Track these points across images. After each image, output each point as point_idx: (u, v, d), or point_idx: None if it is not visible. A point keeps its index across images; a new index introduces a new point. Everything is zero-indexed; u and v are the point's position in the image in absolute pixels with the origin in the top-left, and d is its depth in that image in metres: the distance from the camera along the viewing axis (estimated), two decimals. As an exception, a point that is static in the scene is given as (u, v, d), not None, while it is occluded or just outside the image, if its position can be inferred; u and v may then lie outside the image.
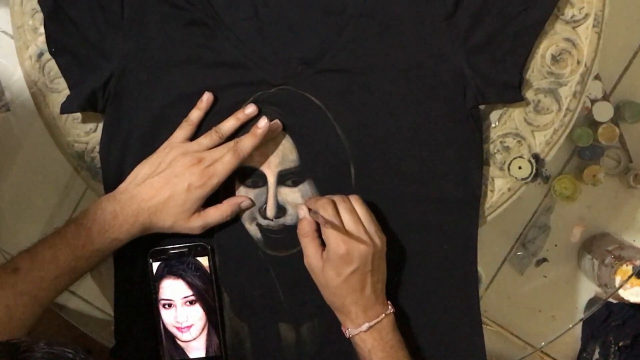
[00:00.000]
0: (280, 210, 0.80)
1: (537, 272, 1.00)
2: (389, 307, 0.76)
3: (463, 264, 0.80)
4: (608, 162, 0.99)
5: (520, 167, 0.82)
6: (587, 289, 1.02)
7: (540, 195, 0.97)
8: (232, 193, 0.80)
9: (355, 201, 0.75)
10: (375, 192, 0.79)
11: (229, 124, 0.78)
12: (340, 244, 0.72)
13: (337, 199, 0.75)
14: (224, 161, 0.76)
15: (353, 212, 0.74)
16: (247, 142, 0.76)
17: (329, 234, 0.72)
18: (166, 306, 0.81)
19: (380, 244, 0.74)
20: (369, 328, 0.74)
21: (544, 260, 0.99)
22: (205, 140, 0.77)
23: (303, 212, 0.76)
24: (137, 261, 0.81)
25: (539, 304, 1.01)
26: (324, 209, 0.74)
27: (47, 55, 0.82)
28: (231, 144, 0.77)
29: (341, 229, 0.72)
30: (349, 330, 0.75)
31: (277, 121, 0.78)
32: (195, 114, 0.78)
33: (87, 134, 0.84)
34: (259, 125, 0.76)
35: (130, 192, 0.76)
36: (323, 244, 0.74)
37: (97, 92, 0.79)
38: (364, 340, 0.74)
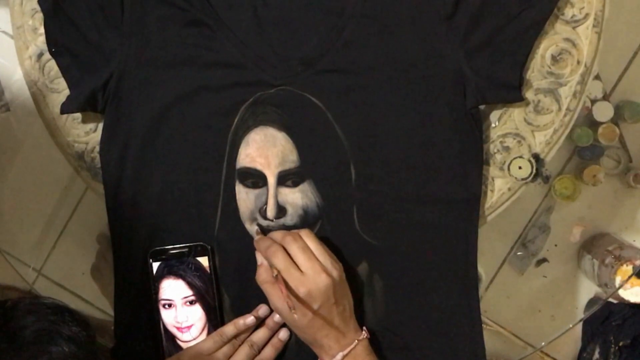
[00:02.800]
0: (281, 210, 0.80)
1: (537, 272, 1.00)
2: (363, 332, 0.76)
3: (463, 264, 0.80)
4: (608, 162, 0.98)
5: (520, 167, 0.82)
6: (587, 289, 1.02)
7: (540, 195, 0.97)
8: (232, 194, 0.80)
9: (307, 236, 0.76)
10: (375, 192, 0.79)
11: (261, 335, 0.80)
12: (299, 287, 0.73)
13: (288, 239, 0.75)
14: None
15: (306, 250, 0.74)
16: (269, 355, 0.80)
17: (286, 282, 0.73)
18: (166, 306, 0.81)
19: (338, 274, 0.74)
20: (344, 357, 0.74)
21: (544, 260, 0.99)
22: (227, 349, 0.79)
23: (260, 259, 0.77)
24: (137, 261, 0.81)
25: (539, 304, 1.01)
26: (275, 257, 0.74)
27: (47, 55, 0.82)
28: (253, 357, 0.79)
29: (290, 279, 0.72)
30: None
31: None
32: (230, 331, 0.79)
33: (87, 134, 0.84)
34: (281, 337, 0.80)
35: None
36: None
37: (97, 92, 0.79)
38: None
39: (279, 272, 0.73)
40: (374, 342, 0.78)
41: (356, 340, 0.75)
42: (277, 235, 0.77)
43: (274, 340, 0.80)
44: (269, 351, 0.80)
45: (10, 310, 0.64)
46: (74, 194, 0.91)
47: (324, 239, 0.78)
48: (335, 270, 0.75)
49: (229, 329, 0.80)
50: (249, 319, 0.80)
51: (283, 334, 0.80)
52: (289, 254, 0.74)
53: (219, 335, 0.79)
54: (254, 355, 0.79)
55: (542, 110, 0.81)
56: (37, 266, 0.95)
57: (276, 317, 0.80)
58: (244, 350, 0.79)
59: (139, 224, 0.81)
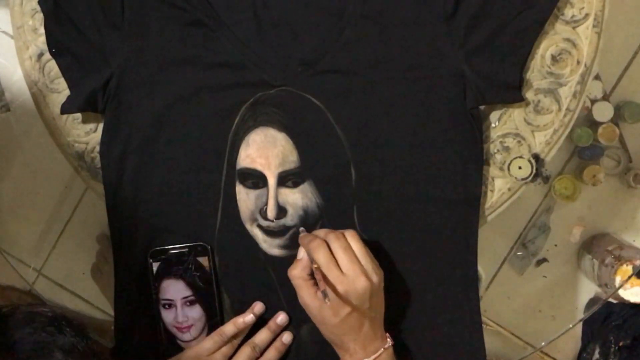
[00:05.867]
0: (281, 211, 0.80)
1: (537, 272, 1.00)
2: (388, 340, 0.75)
3: (463, 264, 0.80)
4: (608, 162, 0.98)
5: (520, 167, 0.82)
6: (587, 289, 1.02)
7: (540, 195, 0.97)
8: (233, 194, 0.80)
9: (351, 237, 0.74)
10: (375, 192, 0.79)
11: (263, 337, 0.80)
12: (336, 286, 0.71)
13: (332, 237, 0.74)
14: None
15: (348, 250, 0.73)
16: (272, 357, 0.79)
17: (325, 278, 0.71)
18: (166, 306, 0.81)
19: (378, 280, 0.73)
20: None
21: (544, 260, 0.99)
22: (227, 349, 0.78)
23: (302, 253, 0.76)
24: (137, 261, 0.81)
25: (539, 304, 1.01)
26: (317, 252, 0.72)
27: (47, 56, 0.82)
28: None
29: (332, 276, 0.71)
30: None
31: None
32: (230, 330, 0.79)
33: (87, 134, 0.84)
34: (284, 340, 0.80)
35: None
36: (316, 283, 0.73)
37: (97, 93, 0.79)
38: None
39: (319, 266, 0.71)
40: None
41: (382, 349, 0.73)
42: (320, 232, 0.76)
43: (277, 343, 0.80)
44: (272, 354, 0.80)
45: (5, 320, 0.62)
46: (74, 194, 0.92)
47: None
48: (376, 275, 0.73)
49: (229, 328, 0.79)
50: (248, 317, 0.79)
51: (287, 337, 0.80)
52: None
53: (218, 335, 0.79)
54: (256, 358, 0.79)
55: (542, 110, 0.81)
56: (37, 266, 0.95)
57: (279, 319, 0.80)
58: (245, 352, 0.79)
59: (139, 224, 0.81)
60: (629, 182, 0.97)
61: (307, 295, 0.74)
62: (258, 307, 0.80)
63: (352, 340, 0.73)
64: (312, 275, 0.74)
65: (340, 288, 0.71)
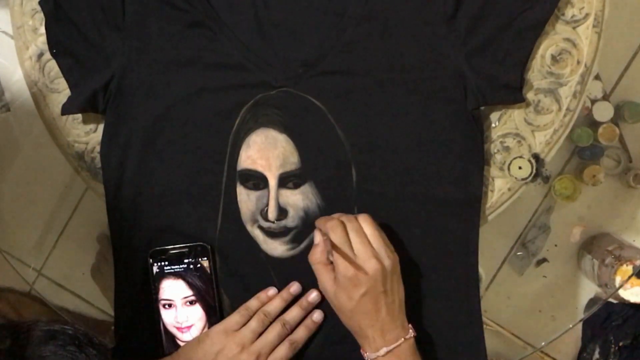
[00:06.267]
0: (282, 212, 0.80)
1: (537, 272, 1.00)
2: (410, 330, 0.74)
3: (464, 264, 0.80)
4: (608, 162, 0.98)
5: (520, 167, 0.82)
6: (587, 289, 1.02)
7: (540, 195, 0.97)
8: (233, 195, 0.80)
9: (364, 220, 0.74)
10: (376, 193, 0.79)
11: (276, 304, 0.79)
12: (347, 267, 0.71)
13: (345, 218, 0.74)
14: (281, 356, 0.77)
15: (360, 233, 0.73)
16: (302, 335, 0.78)
17: (337, 258, 0.72)
18: (166, 306, 0.81)
19: (391, 264, 0.73)
20: (387, 352, 0.72)
21: (544, 260, 0.99)
22: (255, 324, 0.77)
23: (318, 238, 0.76)
24: (137, 261, 0.81)
25: (539, 304, 1.01)
26: (333, 231, 0.73)
27: (47, 56, 0.82)
28: (285, 336, 0.78)
29: (345, 254, 0.72)
30: (367, 355, 0.74)
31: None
32: (254, 305, 0.79)
33: (87, 134, 0.84)
34: (315, 319, 0.79)
35: None
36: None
37: (98, 93, 0.79)
38: None
39: (333, 245, 0.72)
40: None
41: (402, 339, 0.73)
42: (334, 215, 0.76)
43: (308, 321, 0.79)
44: (302, 332, 0.78)
45: (25, 336, 0.61)
46: (74, 194, 0.91)
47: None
48: (389, 259, 0.73)
49: (253, 303, 0.79)
50: (271, 291, 0.79)
51: (317, 315, 0.79)
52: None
53: (244, 309, 0.78)
54: (286, 334, 0.78)
55: (542, 110, 0.81)
56: (37, 266, 0.95)
57: (310, 297, 0.79)
58: (275, 329, 0.77)
59: (140, 225, 0.81)
60: (629, 182, 0.97)
61: (327, 280, 0.74)
62: (294, 287, 0.80)
63: (370, 327, 0.73)
64: (330, 260, 0.74)
65: (351, 270, 0.71)
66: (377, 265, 0.72)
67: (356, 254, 0.72)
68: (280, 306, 0.79)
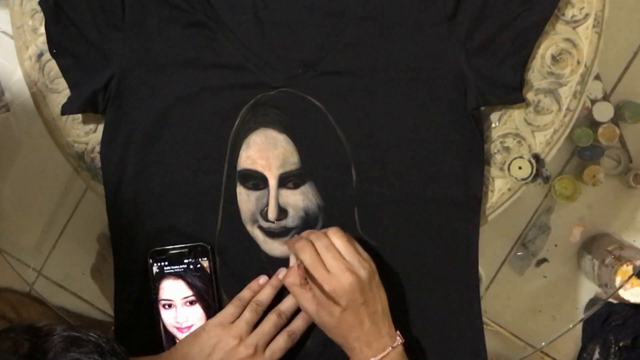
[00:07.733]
0: (282, 212, 0.80)
1: (537, 272, 1.00)
2: (397, 338, 0.74)
3: (464, 265, 0.80)
4: (608, 162, 0.98)
5: (520, 167, 0.82)
6: (587, 289, 1.02)
7: (540, 195, 0.97)
8: (233, 195, 0.80)
9: (334, 234, 0.74)
10: (376, 194, 0.79)
11: (267, 292, 0.78)
12: (323, 285, 0.71)
13: (314, 236, 0.74)
14: (279, 347, 0.76)
15: (330, 248, 0.73)
16: (300, 325, 0.78)
17: (312, 278, 0.72)
18: (166, 306, 0.81)
19: (367, 274, 0.72)
20: None
21: (544, 260, 0.99)
22: (249, 314, 0.77)
23: (292, 260, 0.76)
24: (137, 261, 0.81)
25: (539, 304, 1.01)
26: (303, 251, 0.73)
27: (47, 56, 0.82)
28: (284, 329, 0.77)
29: (318, 273, 0.71)
30: None
31: None
32: (247, 295, 0.78)
33: (87, 134, 0.84)
34: None
35: None
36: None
37: (97, 93, 0.79)
38: None
39: (304, 266, 0.72)
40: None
41: (390, 347, 0.72)
42: (304, 234, 0.76)
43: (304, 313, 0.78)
44: (300, 322, 0.78)
45: (44, 341, 0.60)
46: (74, 194, 0.92)
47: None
48: (363, 269, 0.72)
49: (246, 293, 0.79)
50: (262, 279, 0.79)
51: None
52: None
53: (238, 300, 0.78)
54: (282, 325, 0.78)
55: (542, 110, 0.81)
56: (37, 266, 0.95)
57: (281, 275, 0.79)
58: (271, 319, 0.77)
59: (139, 225, 0.81)
60: (629, 182, 0.97)
61: (305, 300, 0.74)
62: (263, 279, 0.80)
63: (356, 339, 0.72)
64: (307, 280, 0.74)
65: (327, 287, 0.71)
66: (352, 278, 0.71)
67: (330, 270, 0.72)
68: (271, 294, 0.79)
